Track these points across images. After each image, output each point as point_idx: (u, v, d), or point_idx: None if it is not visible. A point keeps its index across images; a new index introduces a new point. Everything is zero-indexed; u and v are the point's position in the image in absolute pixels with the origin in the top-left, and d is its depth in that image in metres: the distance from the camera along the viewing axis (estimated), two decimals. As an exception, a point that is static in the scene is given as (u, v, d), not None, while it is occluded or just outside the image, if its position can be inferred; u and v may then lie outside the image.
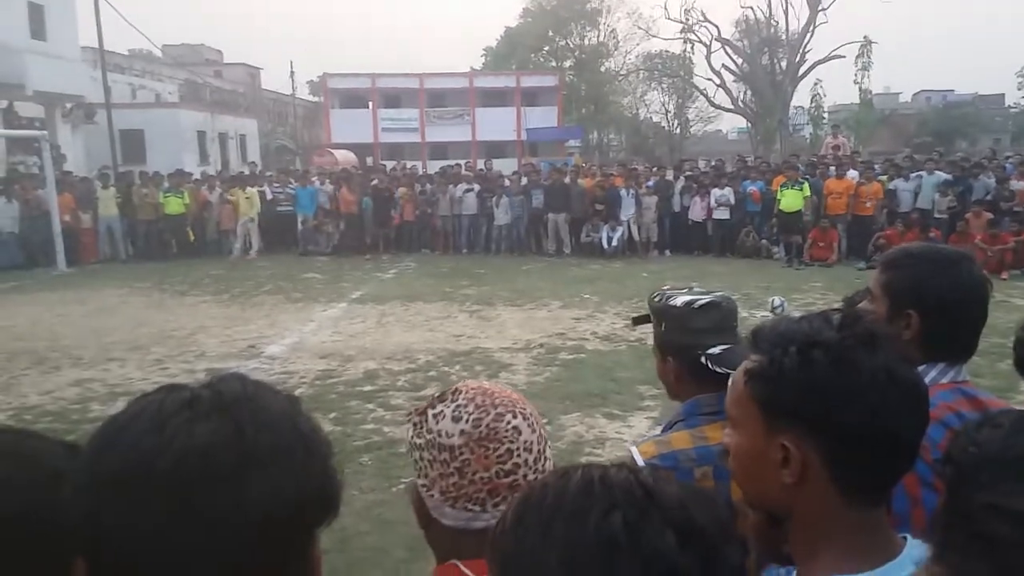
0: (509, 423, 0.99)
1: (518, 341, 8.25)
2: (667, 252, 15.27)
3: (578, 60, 44.61)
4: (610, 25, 45.10)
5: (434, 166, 21.85)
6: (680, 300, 1.57)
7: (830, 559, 0.87)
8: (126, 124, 23.63)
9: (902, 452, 0.89)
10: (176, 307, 10.60)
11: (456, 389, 1.04)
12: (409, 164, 22.78)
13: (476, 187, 16.11)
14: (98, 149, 21.64)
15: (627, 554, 0.62)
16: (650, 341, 1.70)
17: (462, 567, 0.95)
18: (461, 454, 0.96)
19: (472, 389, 1.03)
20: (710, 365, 1.47)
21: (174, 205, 15.63)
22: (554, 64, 43.75)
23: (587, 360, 7.49)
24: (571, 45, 45.32)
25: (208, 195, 16.29)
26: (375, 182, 16.70)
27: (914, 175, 14.41)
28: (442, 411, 1.00)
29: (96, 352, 7.98)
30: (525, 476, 0.97)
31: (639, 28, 45.49)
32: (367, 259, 15.18)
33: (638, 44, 55.20)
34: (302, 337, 8.64)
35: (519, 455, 0.97)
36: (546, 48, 45.07)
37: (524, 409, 1.02)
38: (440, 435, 0.98)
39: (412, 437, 1.03)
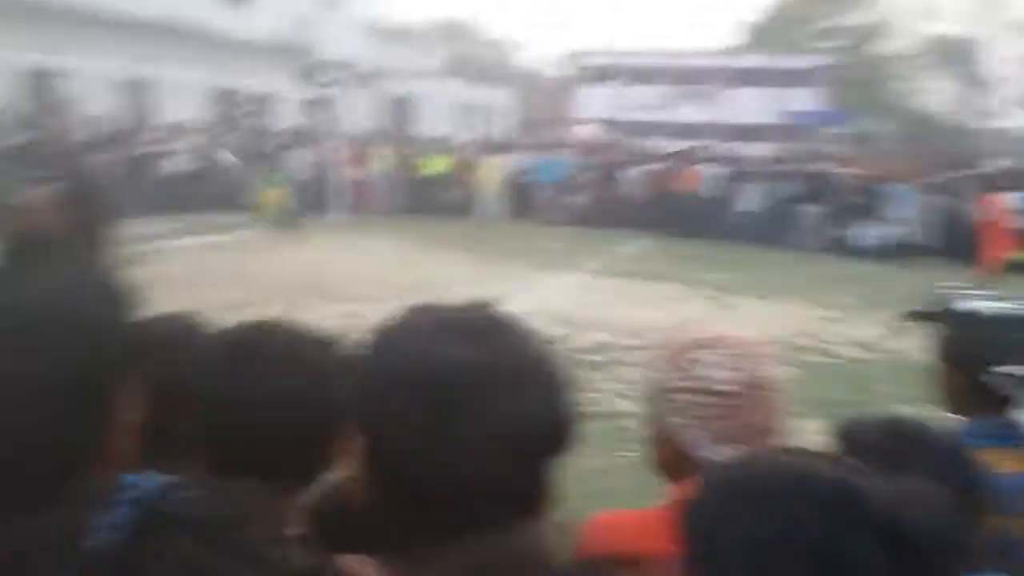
0: (771, 371, 1.09)
1: (759, 336, 7.79)
2: (941, 258, 13.53)
3: (852, 40, 40.89)
4: (891, 3, 40.72)
5: (679, 146, 21.33)
6: (986, 306, 1.46)
7: None
8: (398, 91, 25.88)
9: None
10: (431, 260, 11.44)
11: (715, 337, 1.11)
12: (653, 144, 22.46)
13: (722, 169, 15.43)
14: (375, 111, 23.98)
15: (821, 556, 0.60)
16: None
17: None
18: (734, 400, 1.05)
19: (731, 338, 1.11)
20: (1005, 387, 1.37)
21: (438, 166, 16.83)
22: (824, 44, 40.49)
23: (835, 366, 6.89)
24: (845, 24, 41.62)
25: (467, 159, 17.29)
26: (612, 158, 16.69)
27: None
28: (707, 358, 1.07)
29: (363, 291, 8.88)
30: (778, 421, 1.08)
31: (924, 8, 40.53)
32: (603, 233, 15.24)
33: (922, 26, 49.17)
34: (538, 302, 8.89)
35: (777, 400, 1.08)
36: (816, 26, 41.86)
37: (774, 360, 1.12)
38: (710, 381, 1.06)
39: (671, 380, 1.09)
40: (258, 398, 0.94)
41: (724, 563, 0.63)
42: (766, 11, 44.14)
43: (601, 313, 8.39)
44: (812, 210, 14.38)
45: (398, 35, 37.16)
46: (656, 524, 1.05)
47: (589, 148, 18.31)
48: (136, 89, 17.95)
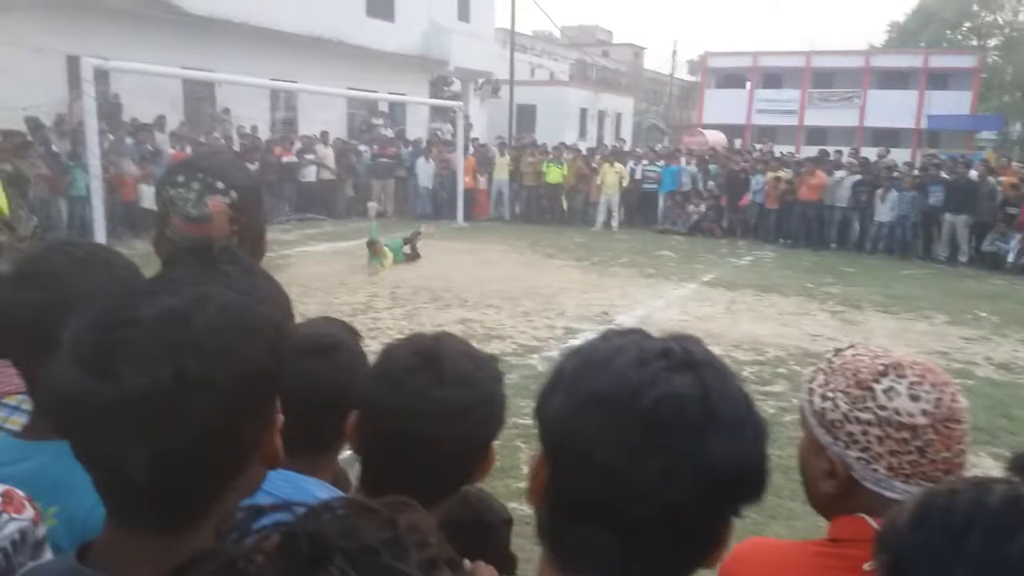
0: (962, 403, 1.02)
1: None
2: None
3: (1007, 39, 37.53)
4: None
5: (808, 152, 20.44)
6: None
7: None
8: (523, 99, 26.29)
9: None
10: (544, 267, 11.62)
11: (898, 363, 1.03)
12: (782, 150, 21.62)
13: (854, 176, 14.68)
14: (497, 120, 24.50)
15: None
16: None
17: (870, 521, 0.99)
18: (925, 434, 0.99)
19: (917, 365, 1.04)
20: None
21: (554, 175, 17.04)
22: (975, 43, 37.43)
23: (975, 388, 6.44)
24: (1000, 21, 38.28)
25: (587, 167, 17.37)
26: (735, 166, 16.25)
27: None
28: (893, 387, 1.01)
29: (478, 297, 9.17)
30: (963, 452, 1.02)
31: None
32: (721, 243, 14.90)
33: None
34: (651, 312, 8.85)
35: (968, 434, 1.02)
36: (967, 24, 38.75)
37: (959, 387, 1.05)
38: (898, 413, 0.99)
39: (849, 410, 1.02)
40: (432, 410, 0.98)
41: None
42: (911, 7, 41.37)
43: (714, 325, 8.25)
44: (954, 221, 13.43)
45: (526, 44, 37.72)
46: (811, 559, 1.05)
47: (712, 155, 17.91)
48: (281, 100, 19.32)
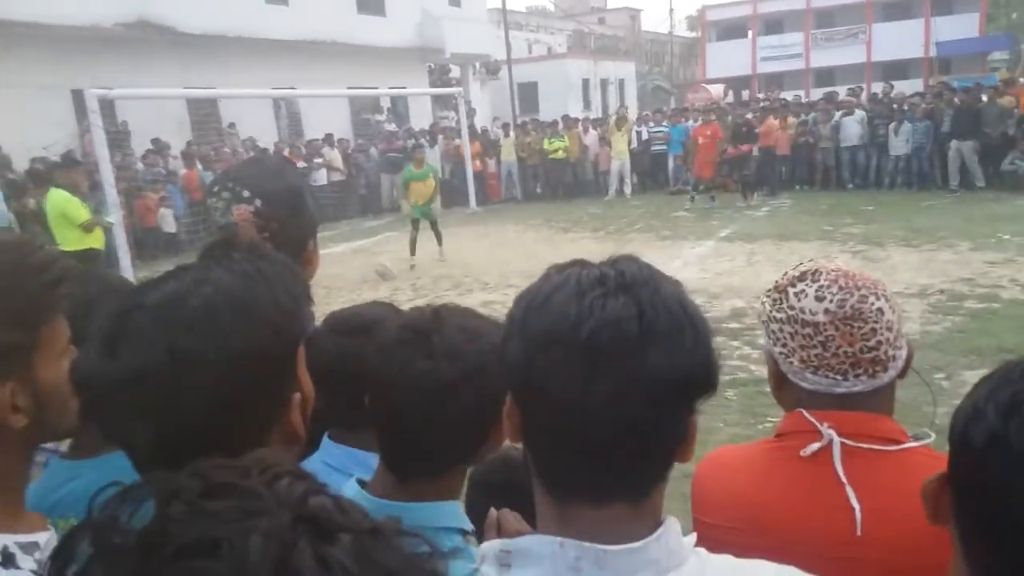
0: (873, 304, 1.07)
1: (911, 286, 7.37)
2: None
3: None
4: None
5: (818, 95, 20.12)
6: None
7: None
8: (523, 77, 26.15)
9: None
10: (561, 242, 11.65)
11: (816, 270, 1.12)
12: (790, 95, 21.30)
13: (865, 113, 14.42)
14: (500, 102, 24.43)
15: (1020, 422, 0.61)
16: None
17: (806, 414, 1.09)
18: (825, 331, 1.07)
19: (833, 271, 1.11)
20: None
21: (563, 148, 16.88)
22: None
23: (1002, 311, 6.41)
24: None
25: (593, 137, 17.23)
26: (738, 118, 15.81)
27: None
28: (804, 290, 1.10)
29: (498, 279, 9.25)
30: (885, 352, 1.07)
31: None
32: (737, 197, 14.77)
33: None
34: (669, 273, 8.82)
35: (881, 333, 1.07)
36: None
37: (885, 291, 1.10)
38: (803, 312, 1.08)
39: (771, 311, 1.14)
40: (431, 381, 0.98)
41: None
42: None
43: (734, 279, 8.25)
44: (960, 147, 13.12)
45: (521, 21, 37.44)
46: (761, 455, 1.15)
47: (716, 109, 17.71)
48: (283, 107, 19.48)
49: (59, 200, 7.61)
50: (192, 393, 0.71)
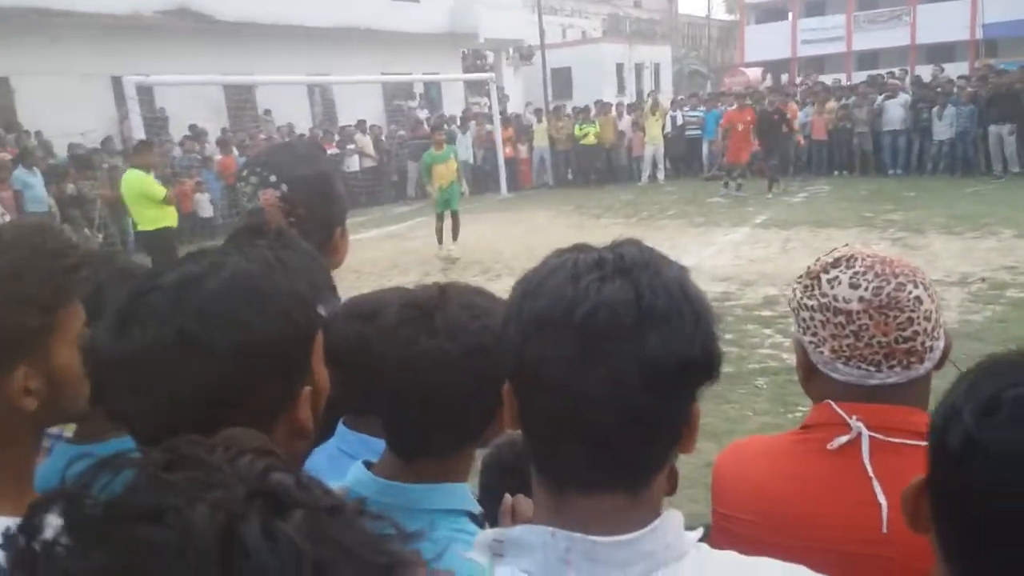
0: (911, 293, 1.03)
1: (951, 274, 7.18)
2: None
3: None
4: None
5: (859, 78, 19.61)
6: None
7: None
8: (556, 62, 25.91)
9: None
10: (592, 228, 11.58)
11: (851, 256, 1.07)
12: (829, 79, 20.82)
13: (901, 97, 14.02)
14: (533, 87, 24.28)
15: (998, 425, 0.58)
16: None
17: (834, 406, 1.05)
18: (859, 319, 1.03)
19: (869, 256, 1.06)
20: None
21: (597, 133, 16.76)
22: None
23: (1045, 301, 6.23)
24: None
25: (629, 122, 17.05)
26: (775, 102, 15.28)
27: None
28: (837, 276, 1.06)
29: (527, 264, 8.84)
30: (922, 343, 1.02)
31: None
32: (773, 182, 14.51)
33: None
34: (702, 260, 8.75)
35: (918, 323, 1.02)
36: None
37: (924, 279, 1.05)
38: (836, 299, 1.04)
39: (801, 298, 1.10)
40: (433, 359, 0.96)
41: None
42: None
43: (768, 266, 8.12)
44: (999, 131, 12.69)
45: (556, 5, 37.12)
46: (786, 447, 1.10)
47: (753, 94, 17.39)
48: (317, 94, 19.62)
49: (135, 180, 7.86)
50: (197, 377, 0.71)
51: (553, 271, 0.72)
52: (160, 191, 7.89)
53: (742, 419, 4.35)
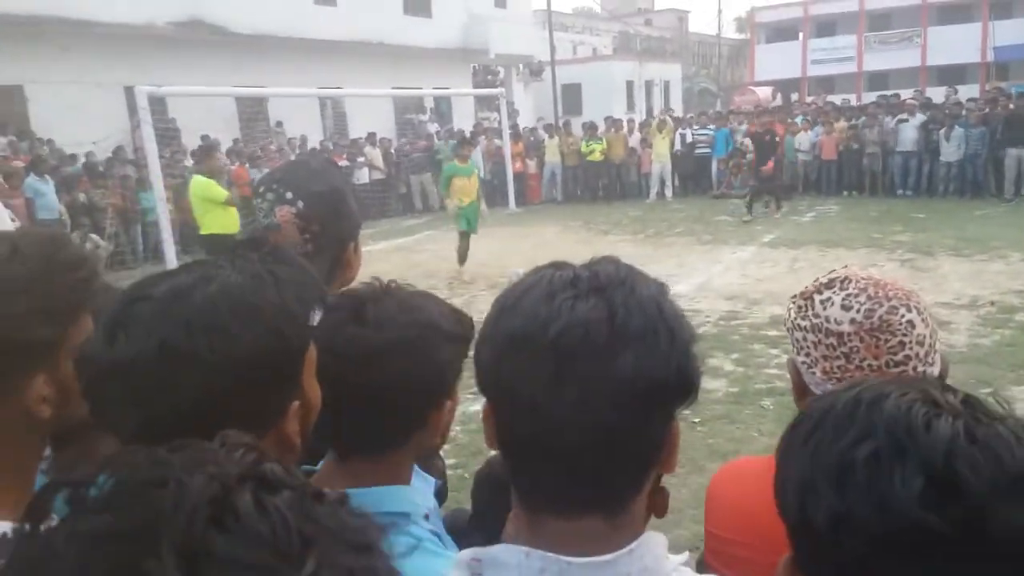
0: (903, 316, 1.02)
1: (961, 296, 7.14)
2: None
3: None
4: None
5: (869, 98, 19.61)
6: None
7: None
8: (567, 79, 26.06)
9: None
10: (599, 244, 11.57)
11: (846, 277, 1.07)
12: (839, 98, 20.83)
13: (917, 118, 14.02)
14: (543, 103, 24.40)
15: (860, 491, 0.56)
16: None
17: None
18: (850, 341, 1.02)
19: (863, 279, 1.06)
20: None
21: (606, 150, 16.81)
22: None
23: (1054, 325, 6.17)
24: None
25: (637, 139, 17.08)
26: (782, 121, 15.23)
27: None
28: (830, 298, 1.05)
29: (533, 280, 9.17)
30: (915, 368, 1.01)
31: None
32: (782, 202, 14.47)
33: None
34: (709, 278, 8.73)
35: (911, 348, 1.01)
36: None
37: (918, 303, 1.04)
38: (828, 321, 1.04)
39: (795, 318, 1.10)
40: (356, 347, 0.96)
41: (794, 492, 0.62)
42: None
43: (775, 286, 8.08)
44: (1019, 154, 12.66)
45: (567, 22, 37.35)
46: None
47: (762, 113, 17.41)
48: (328, 107, 19.75)
49: (200, 185, 8.07)
50: (181, 388, 0.71)
51: (529, 289, 0.72)
52: (222, 193, 8.11)
53: (748, 440, 4.32)
